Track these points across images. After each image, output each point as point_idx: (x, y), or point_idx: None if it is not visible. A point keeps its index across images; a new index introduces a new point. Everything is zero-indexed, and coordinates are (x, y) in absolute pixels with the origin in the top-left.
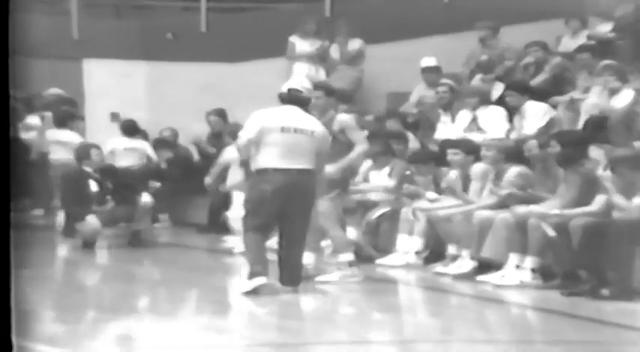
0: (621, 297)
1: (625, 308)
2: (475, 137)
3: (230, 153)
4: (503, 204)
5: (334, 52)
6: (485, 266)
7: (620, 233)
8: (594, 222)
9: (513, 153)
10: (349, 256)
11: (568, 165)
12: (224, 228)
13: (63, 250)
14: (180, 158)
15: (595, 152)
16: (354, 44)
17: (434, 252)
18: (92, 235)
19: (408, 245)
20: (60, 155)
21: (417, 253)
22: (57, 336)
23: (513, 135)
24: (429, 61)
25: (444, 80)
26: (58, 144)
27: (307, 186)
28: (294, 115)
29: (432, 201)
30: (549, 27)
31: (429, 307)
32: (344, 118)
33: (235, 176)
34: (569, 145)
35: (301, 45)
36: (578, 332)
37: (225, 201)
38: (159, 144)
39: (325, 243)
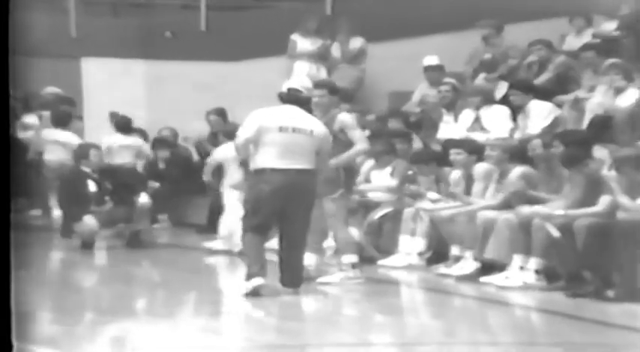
0: (626, 299)
1: (630, 310)
2: (478, 137)
3: (221, 153)
4: (507, 204)
5: (335, 50)
6: (489, 267)
7: (625, 234)
8: (599, 223)
9: (517, 152)
10: (353, 258)
11: (572, 165)
12: None
13: (61, 251)
14: (179, 158)
15: (600, 152)
16: (356, 43)
17: (437, 252)
18: (90, 235)
19: (411, 246)
20: (56, 155)
21: (419, 254)
22: (56, 338)
23: (517, 135)
24: (431, 60)
25: (446, 79)
26: (55, 144)
27: (307, 186)
28: (293, 115)
29: (433, 201)
30: (553, 25)
31: (432, 309)
32: (344, 117)
33: (231, 176)
34: (573, 145)
35: (302, 43)
36: (582, 333)
37: None
38: (158, 143)
39: (327, 244)
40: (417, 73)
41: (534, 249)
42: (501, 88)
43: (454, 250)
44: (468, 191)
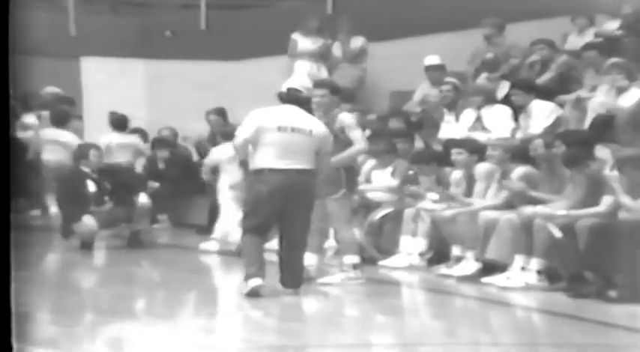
0: (629, 299)
1: (632, 311)
2: (479, 136)
3: (217, 154)
4: (508, 204)
5: (336, 49)
6: (490, 267)
7: (627, 234)
8: (601, 223)
9: (519, 152)
10: (355, 258)
11: (574, 165)
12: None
13: (61, 251)
14: (179, 158)
15: (602, 152)
16: (357, 42)
17: (438, 253)
18: (89, 236)
19: (412, 246)
20: (54, 155)
21: (420, 254)
22: (56, 339)
23: (519, 135)
24: (432, 59)
25: (448, 78)
26: (54, 144)
27: (306, 186)
28: (292, 115)
29: (434, 202)
30: (556, 24)
31: (433, 309)
32: (344, 117)
33: (226, 177)
34: (575, 145)
35: (303, 42)
36: (584, 334)
37: None
38: (158, 143)
39: (328, 244)
40: (419, 73)
41: (536, 250)
42: (503, 88)
43: (455, 250)
44: (469, 191)
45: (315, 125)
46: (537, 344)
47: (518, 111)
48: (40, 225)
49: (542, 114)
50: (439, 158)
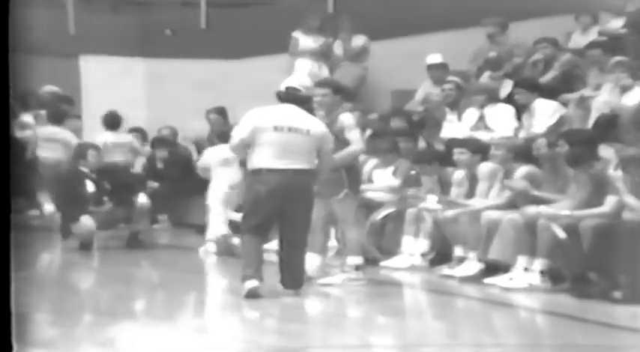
0: (632, 300)
1: (636, 312)
2: (482, 136)
3: (207, 155)
4: (511, 204)
5: (337, 48)
6: (493, 268)
7: (631, 234)
8: (605, 224)
9: (523, 152)
10: (358, 259)
11: (577, 164)
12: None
13: (60, 252)
14: (178, 157)
15: (606, 151)
16: (358, 40)
17: (440, 253)
18: (88, 236)
19: (414, 246)
20: (51, 152)
21: (422, 255)
22: (56, 340)
23: (522, 134)
24: (435, 58)
25: (450, 77)
26: (50, 142)
27: (304, 186)
28: (289, 114)
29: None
30: (559, 23)
31: (435, 310)
32: (344, 118)
33: (216, 178)
34: (579, 144)
35: (305, 41)
36: (587, 335)
37: None
38: (157, 142)
39: (330, 245)
40: (421, 71)
41: (539, 250)
42: (506, 87)
43: (458, 251)
44: (471, 191)
45: (314, 124)
46: (540, 345)
47: (521, 110)
48: (39, 225)
49: (545, 113)
50: (441, 158)
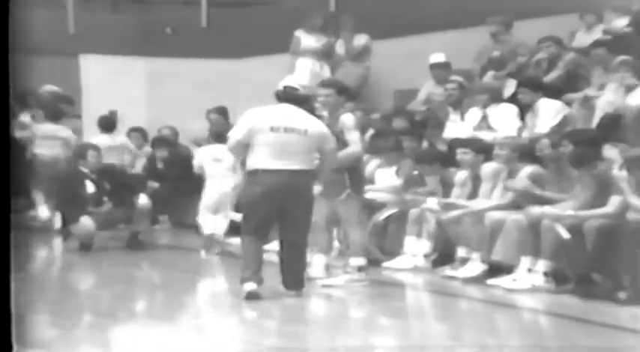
0: (637, 301)
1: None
2: (485, 136)
3: (200, 155)
4: (515, 204)
5: (339, 47)
6: (496, 269)
7: (635, 235)
8: (609, 224)
9: (527, 152)
10: (361, 261)
11: (581, 165)
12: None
13: (60, 252)
14: (178, 157)
15: (610, 151)
16: (360, 40)
17: (443, 254)
18: (87, 237)
19: (416, 247)
20: (48, 150)
21: (425, 256)
22: (56, 340)
23: (525, 134)
24: (438, 57)
25: (453, 77)
26: (48, 139)
27: (302, 186)
28: (287, 114)
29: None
30: (563, 22)
31: (438, 311)
32: (344, 118)
33: (210, 178)
34: (583, 144)
35: (307, 40)
36: (591, 337)
37: None
38: (158, 142)
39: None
40: (423, 71)
41: (543, 251)
42: (510, 86)
43: (461, 252)
44: (474, 192)
45: (312, 124)
46: (544, 347)
47: (524, 109)
48: (39, 226)
49: (549, 112)
50: (442, 158)
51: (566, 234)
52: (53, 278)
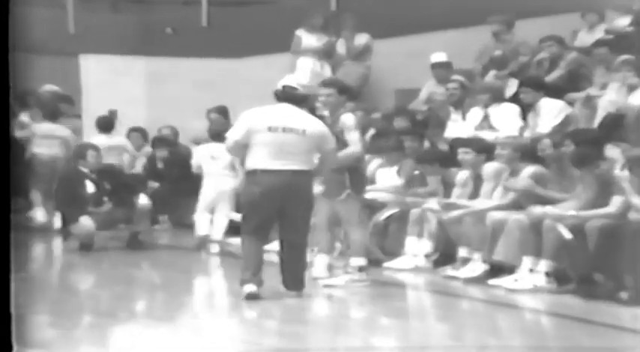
0: (639, 302)
1: None
2: (487, 135)
3: (197, 154)
4: (517, 204)
5: (340, 47)
6: (498, 269)
7: (637, 235)
8: (611, 224)
9: (528, 151)
10: (362, 261)
11: (583, 165)
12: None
13: (60, 252)
14: (179, 157)
15: (612, 151)
16: (361, 39)
17: (444, 254)
18: (87, 237)
19: (417, 247)
20: (47, 149)
21: (426, 256)
22: (56, 340)
23: (527, 133)
24: (439, 57)
25: (454, 76)
26: (46, 138)
27: (301, 187)
28: (285, 114)
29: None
30: (565, 21)
31: (439, 312)
32: (344, 118)
33: (208, 176)
34: (585, 144)
35: (308, 39)
36: (593, 337)
37: None
38: (158, 142)
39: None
40: (425, 70)
41: (545, 251)
42: (511, 86)
43: (462, 252)
44: (476, 192)
45: (311, 124)
46: (546, 347)
47: (526, 109)
48: (39, 226)
49: (551, 112)
50: (444, 158)
51: (567, 234)
52: (53, 278)
